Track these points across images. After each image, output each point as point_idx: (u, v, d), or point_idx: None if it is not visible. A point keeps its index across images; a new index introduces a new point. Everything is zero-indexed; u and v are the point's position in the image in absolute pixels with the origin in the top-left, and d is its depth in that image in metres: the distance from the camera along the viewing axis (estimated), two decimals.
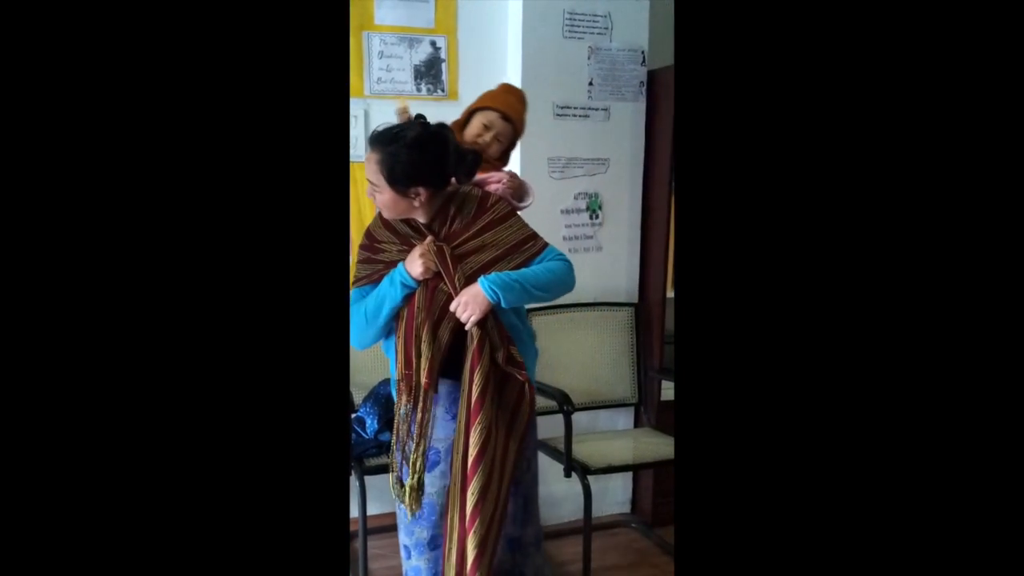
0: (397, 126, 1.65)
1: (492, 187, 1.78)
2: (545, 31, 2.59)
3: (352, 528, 2.51)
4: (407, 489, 1.68)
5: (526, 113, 1.90)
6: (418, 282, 1.65)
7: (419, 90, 2.61)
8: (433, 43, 2.62)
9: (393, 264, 1.70)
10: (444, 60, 2.63)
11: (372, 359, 2.56)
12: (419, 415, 1.65)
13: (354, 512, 2.30)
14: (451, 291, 1.64)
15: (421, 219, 1.71)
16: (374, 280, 1.73)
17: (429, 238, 1.68)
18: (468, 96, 2.47)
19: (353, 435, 2.31)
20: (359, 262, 1.77)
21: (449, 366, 1.67)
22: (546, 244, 1.75)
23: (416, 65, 2.61)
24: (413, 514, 1.70)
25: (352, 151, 2.56)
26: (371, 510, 2.38)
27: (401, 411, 1.67)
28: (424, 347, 1.62)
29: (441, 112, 2.57)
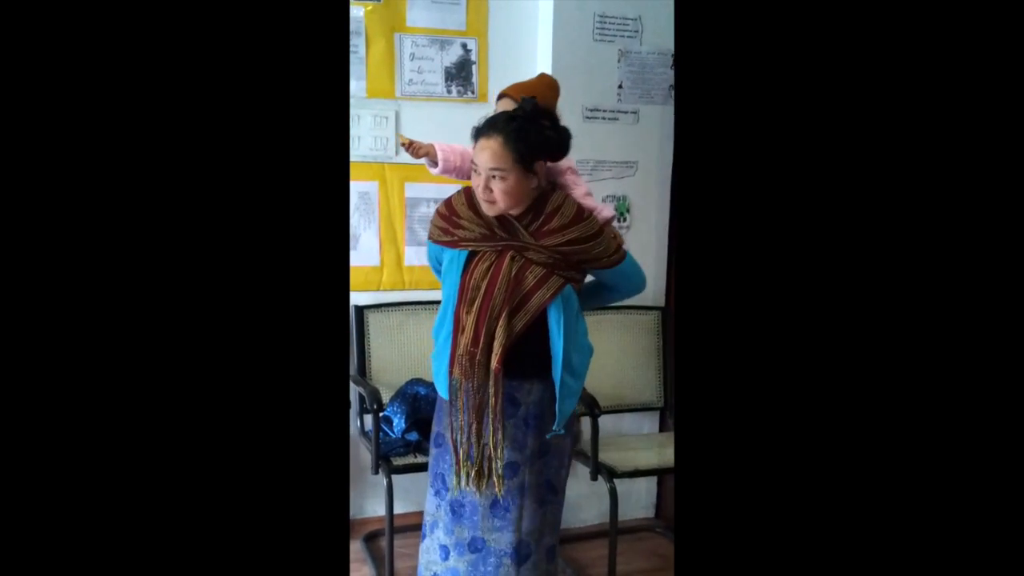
0: (504, 112, 1.69)
1: (602, 216, 1.80)
2: (575, 34, 2.60)
3: (379, 527, 2.53)
4: (483, 472, 1.70)
5: (555, 99, 1.87)
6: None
7: (449, 92, 2.62)
8: (464, 45, 2.63)
9: (473, 242, 1.71)
10: (475, 62, 2.65)
11: (399, 359, 2.58)
12: (492, 400, 1.66)
13: (381, 511, 2.31)
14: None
15: (514, 210, 1.70)
16: (445, 244, 1.76)
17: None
18: None
19: (381, 434, 2.32)
20: (436, 225, 1.78)
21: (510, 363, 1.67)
22: (625, 254, 1.79)
23: (447, 67, 2.62)
24: (481, 491, 1.70)
25: (383, 152, 2.58)
26: (397, 509, 2.39)
27: (458, 388, 1.68)
28: (500, 331, 1.64)
29: (471, 114, 2.59)
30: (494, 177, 1.63)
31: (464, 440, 1.69)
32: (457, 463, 1.71)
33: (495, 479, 1.69)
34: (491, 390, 1.65)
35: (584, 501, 2.75)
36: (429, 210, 2.64)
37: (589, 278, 1.85)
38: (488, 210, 1.68)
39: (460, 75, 2.64)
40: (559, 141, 1.70)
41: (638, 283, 1.88)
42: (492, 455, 1.68)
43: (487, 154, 1.63)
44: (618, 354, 2.76)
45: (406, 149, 1.81)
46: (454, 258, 1.73)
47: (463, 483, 1.71)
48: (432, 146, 1.81)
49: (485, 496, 1.74)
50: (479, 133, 1.66)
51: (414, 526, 2.60)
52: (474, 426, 1.68)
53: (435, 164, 1.81)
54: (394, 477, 2.25)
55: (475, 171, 1.66)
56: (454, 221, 1.73)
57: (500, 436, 1.67)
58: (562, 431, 1.76)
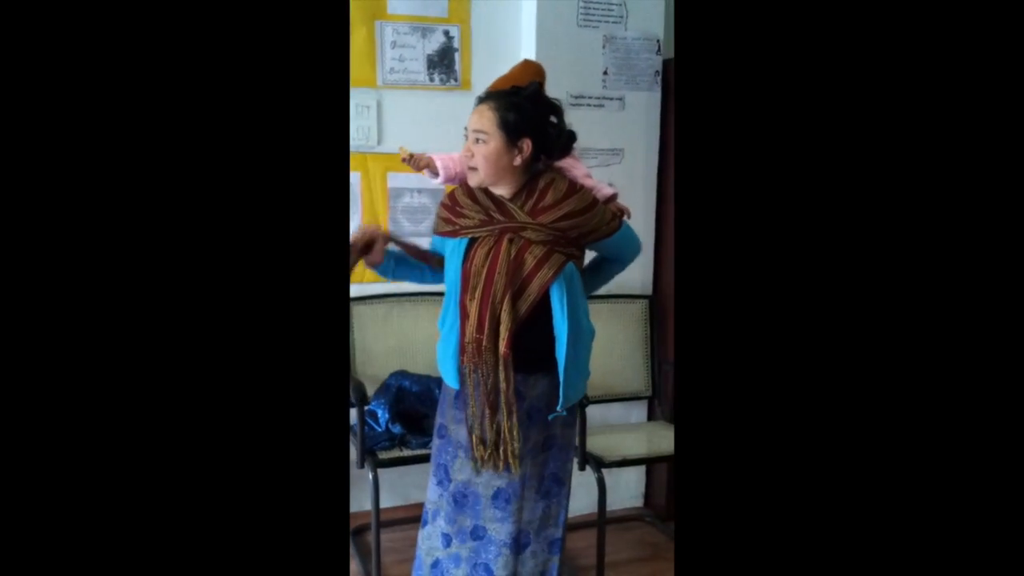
0: (514, 87, 1.73)
1: (602, 193, 1.81)
2: (559, 20, 2.56)
3: (365, 521, 2.51)
4: (499, 455, 1.70)
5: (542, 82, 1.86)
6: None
7: (432, 80, 2.59)
8: (446, 32, 2.59)
9: (472, 228, 1.72)
10: (457, 50, 2.61)
11: (384, 352, 2.55)
12: (503, 385, 1.66)
13: (367, 505, 2.29)
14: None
15: (506, 192, 1.72)
16: (447, 234, 1.78)
17: None
18: (481, 86, 2.44)
19: (366, 428, 2.30)
20: (440, 217, 1.80)
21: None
22: (621, 221, 1.81)
23: (429, 55, 2.58)
24: (500, 469, 1.71)
25: (365, 141, 2.55)
26: (383, 503, 2.37)
27: (467, 376, 1.68)
28: (505, 315, 1.64)
29: (454, 102, 2.57)
30: (477, 141, 1.67)
31: (478, 426, 1.70)
32: (472, 447, 1.72)
33: (512, 462, 1.69)
34: (501, 375, 1.66)
35: (572, 491, 2.73)
36: (412, 200, 2.62)
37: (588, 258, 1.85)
38: (471, 179, 1.71)
39: (443, 63, 2.60)
40: (556, 137, 1.72)
41: (636, 248, 1.90)
42: (508, 439, 1.69)
43: (475, 116, 1.68)
44: (606, 343, 2.73)
45: (407, 163, 1.82)
46: (455, 247, 1.75)
47: (479, 466, 1.72)
48: (431, 158, 1.82)
49: (487, 487, 1.76)
50: (479, 100, 1.71)
51: (400, 520, 2.59)
52: (487, 412, 1.68)
53: (436, 175, 1.82)
54: (379, 471, 2.23)
55: (466, 137, 1.70)
56: (456, 211, 1.75)
57: (515, 419, 1.68)
58: (564, 412, 1.77)
